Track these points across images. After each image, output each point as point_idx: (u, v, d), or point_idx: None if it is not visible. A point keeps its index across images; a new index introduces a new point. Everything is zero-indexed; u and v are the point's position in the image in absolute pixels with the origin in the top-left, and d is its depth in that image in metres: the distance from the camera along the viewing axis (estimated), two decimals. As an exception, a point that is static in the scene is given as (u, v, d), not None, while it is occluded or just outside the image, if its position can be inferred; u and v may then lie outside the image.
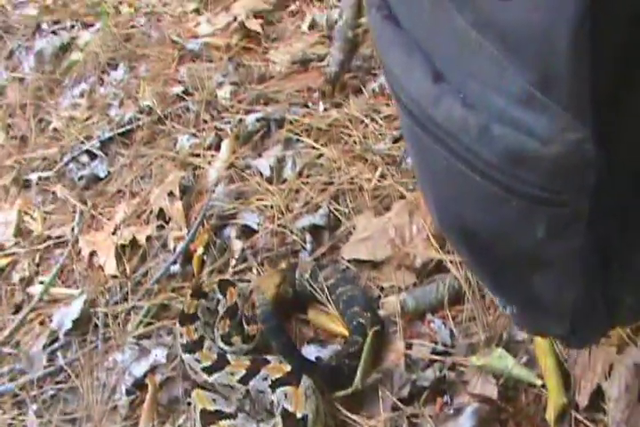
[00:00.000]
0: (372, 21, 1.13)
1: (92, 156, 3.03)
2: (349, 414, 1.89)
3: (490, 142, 0.92)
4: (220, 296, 2.21)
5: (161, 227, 2.61)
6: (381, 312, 2.03)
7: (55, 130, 3.25)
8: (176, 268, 2.43)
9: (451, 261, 2.02)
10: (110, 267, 2.56)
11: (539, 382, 1.75)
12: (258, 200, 2.47)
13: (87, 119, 3.22)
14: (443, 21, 0.96)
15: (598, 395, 1.68)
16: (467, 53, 0.94)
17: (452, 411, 1.77)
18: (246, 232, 2.42)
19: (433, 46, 1.01)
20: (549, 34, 0.82)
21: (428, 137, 1.01)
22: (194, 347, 2.10)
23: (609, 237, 1.05)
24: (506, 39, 0.88)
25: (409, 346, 1.95)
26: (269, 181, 2.51)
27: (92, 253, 2.65)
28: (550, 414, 1.69)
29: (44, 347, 2.42)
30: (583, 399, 1.69)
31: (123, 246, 2.60)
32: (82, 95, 3.36)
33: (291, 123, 2.64)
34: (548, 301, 1.14)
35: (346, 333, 2.05)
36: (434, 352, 1.91)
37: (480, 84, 0.93)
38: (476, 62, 0.93)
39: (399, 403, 1.85)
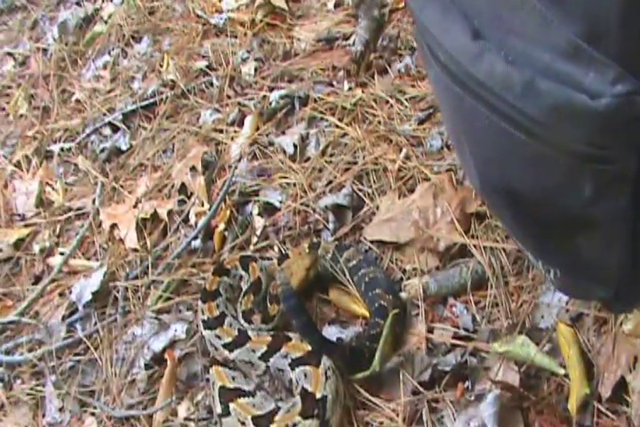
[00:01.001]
0: None
1: (115, 128, 3.00)
2: (369, 397, 1.85)
3: (535, 98, 0.89)
4: (243, 272, 2.17)
5: (182, 202, 2.57)
6: (403, 295, 1.99)
7: (78, 101, 3.21)
8: (197, 243, 2.39)
9: (475, 246, 1.97)
10: (131, 240, 2.52)
11: (561, 372, 1.70)
12: (281, 178, 2.42)
13: (110, 91, 3.18)
14: None
15: (622, 387, 1.63)
16: (506, 9, 0.92)
17: (472, 397, 1.72)
18: (268, 210, 2.37)
19: (469, 4, 0.98)
20: None
21: (469, 95, 0.99)
22: (215, 323, 2.06)
23: None
24: None
25: (430, 330, 1.91)
26: (292, 158, 2.47)
27: (113, 226, 2.61)
28: (572, 405, 1.64)
29: (63, 318, 2.40)
30: (606, 391, 1.64)
31: (144, 220, 2.56)
32: (105, 67, 3.31)
33: (315, 101, 2.59)
34: (592, 263, 1.11)
35: (367, 314, 2.00)
36: (456, 337, 1.86)
37: (522, 39, 0.91)
38: (518, 18, 0.91)
39: (419, 387, 1.80)
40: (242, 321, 2.06)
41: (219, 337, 2.02)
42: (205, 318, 2.08)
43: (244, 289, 2.15)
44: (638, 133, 0.88)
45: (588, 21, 0.84)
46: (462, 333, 1.86)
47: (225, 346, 2.01)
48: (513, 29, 0.92)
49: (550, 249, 1.16)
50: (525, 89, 0.90)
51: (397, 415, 1.78)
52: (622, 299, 1.19)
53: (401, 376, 1.84)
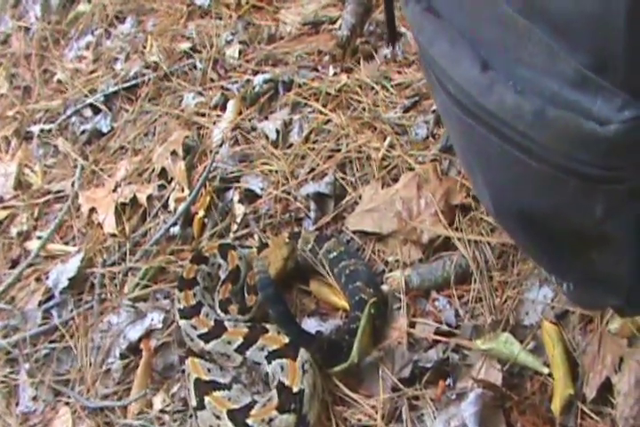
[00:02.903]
0: (410, 15, 1.12)
1: (96, 110, 2.89)
2: (348, 392, 1.77)
3: (546, 126, 0.91)
4: (221, 261, 2.08)
5: (162, 186, 2.47)
6: (385, 287, 1.90)
7: (59, 82, 3.11)
8: (176, 230, 2.30)
9: (459, 239, 1.89)
10: (109, 225, 2.43)
11: (545, 371, 1.62)
12: (262, 164, 2.32)
13: (92, 72, 3.07)
14: (486, 10, 0.96)
15: (607, 388, 1.56)
16: (513, 40, 0.94)
17: (454, 395, 1.65)
18: (249, 196, 2.28)
19: (477, 36, 1.00)
20: (604, 19, 0.82)
21: (481, 126, 1.00)
22: (191, 313, 1.97)
23: None
24: (557, 26, 0.87)
25: (412, 324, 1.82)
26: (275, 144, 2.37)
27: (92, 210, 2.52)
28: (556, 405, 1.57)
29: (40, 304, 2.31)
30: (591, 392, 1.57)
31: (123, 205, 2.47)
32: (87, 48, 3.20)
33: (299, 86, 2.48)
34: (604, 275, 1.12)
35: (347, 307, 1.92)
36: (438, 332, 1.78)
37: (530, 69, 0.92)
38: (525, 49, 0.93)
39: (399, 383, 1.73)
40: (218, 311, 1.98)
41: (194, 327, 1.94)
42: (182, 306, 2.00)
43: (221, 278, 2.06)
44: None
45: (594, 54, 0.86)
46: (444, 328, 1.78)
47: (200, 337, 1.92)
48: (520, 59, 0.94)
49: (564, 265, 1.19)
50: (536, 118, 0.91)
51: (376, 412, 1.70)
52: (633, 304, 1.19)
53: (380, 372, 1.76)
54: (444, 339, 1.76)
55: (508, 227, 1.30)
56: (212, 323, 1.93)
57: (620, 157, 0.90)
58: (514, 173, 1.03)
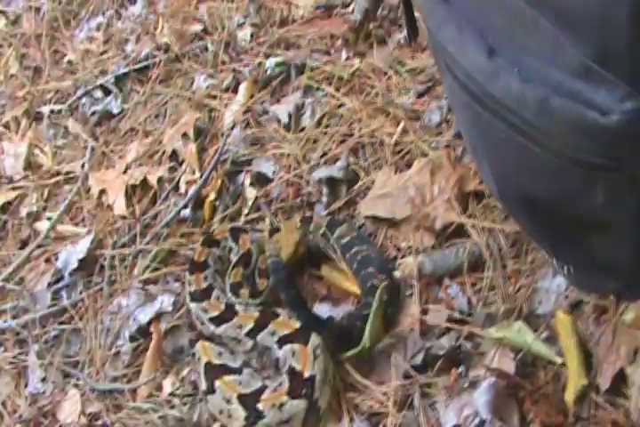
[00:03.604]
0: (420, 2, 1.14)
1: (107, 91, 2.84)
2: (359, 378, 1.74)
3: (549, 115, 0.92)
4: (233, 244, 2.05)
5: (173, 169, 2.43)
6: (397, 273, 1.87)
7: (70, 63, 3.05)
8: (187, 212, 2.26)
9: (472, 226, 1.85)
10: (119, 207, 2.39)
11: (559, 361, 1.59)
12: (274, 148, 2.28)
13: (103, 53, 3.01)
14: None
15: (621, 379, 1.52)
16: (520, 29, 0.95)
17: (466, 384, 1.62)
18: (261, 180, 2.24)
19: (484, 23, 1.00)
20: (608, 14, 0.83)
21: (487, 112, 1.01)
22: (201, 296, 1.95)
23: None
24: (563, 17, 0.88)
25: (424, 311, 1.79)
26: (287, 128, 2.32)
27: (102, 192, 2.48)
28: (569, 395, 1.54)
29: (49, 285, 2.28)
30: (605, 382, 1.53)
31: (133, 187, 2.43)
32: (98, 29, 3.13)
33: (311, 70, 2.44)
34: (604, 259, 1.14)
35: (359, 293, 1.89)
36: (450, 320, 1.75)
37: (535, 58, 0.94)
38: (531, 38, 0.94)
39: (412, 370, 1.69)
40: (229, 295, 1.95)
41: (205, 310, 1.91)
42: (192, 289, 1.97)
43: (233, 261, 2.03)
44: None
45: (597, 46, 0.87)
46: (457, 315, 1.75)
47: (211, 320, 1.90)
48: (526, 48, 0.95)
49: (565, 248, 1.20)
50: (540, 106, 0.92)
51: (388, 399, 1.67)
52: (633, 289, 1.23)
53: (392, 359, 1.73)
54: (456, 326, 1.73)
55: (511, 210, 1.33)
56: (222, 307, 1.90)
57: (620, 147, 0.91)
58: (518, 159, 1.05)
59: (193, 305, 1.94)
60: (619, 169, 0.95)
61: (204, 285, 1.97)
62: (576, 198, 1.03)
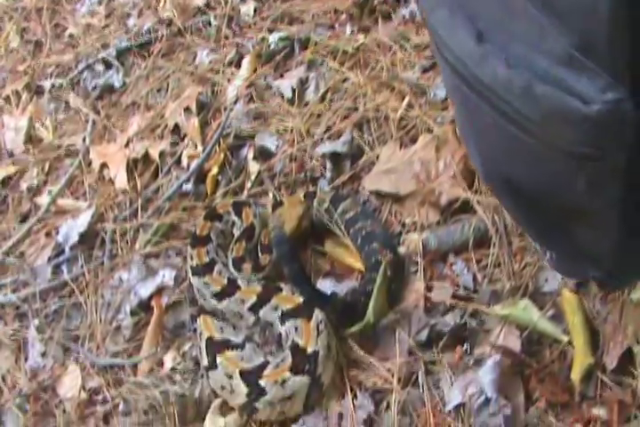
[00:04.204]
0: None
1: (108, 65, 2.79)
2: (363, 355, 1.70)
3: (533, 101, 0.93)
4: (236, 218, 2.00)
5: (175, 143, 2.39)
6: (401, 249, 1.83)
7: (71, 37, 3.01)
8: (189, 186, 2.22)
9: (478, 202, 1.80)
10: (121, 181, 2.35)
11: (565, 339, 1.55)
12: (277, 122, 2.23)
13: (104, 28, 2.97)
14: None
15: (628, 358, 1.48)
16: (509, 16, 0.96)
17: (471, 361, 1.58)
18: (264, 154, 2.19)
19: (475, 8, 1.01)
20: (591, 6, 0.84)
21: (474, 94, 1.02)
22: (204, 270, 1.90)
23: None
24: (550, 5, 0.89)
25: (429, 288, 1.75)
26: (290, 102, 2.28)
27: (103, 166, 2.44)
28: (576, 374, 1.50)
29: (49, 260, 2.24)
30: (611, 361, 1.49)
31: (135, 160, 2.39)
32: (100, 3, 3.10)
33: (315, 44, 2.38)
34: (586, 247, 1.15)
35: (363, 268, 1.84)
36: (455, 296, 1.70)
37: (523, 45, 0.94)
38: (520, 25, 0.95)
39: (416, 347, 1.65)
40: (232, 269, 1.90)
41: (207, 285, 1.87)
42: (194, 264, 1.93)
43: (235, 236, 1.99)
44: (626, 135, 0.91)
45: (582, 35, 0.87)
46: (462, 292, 1.71)
47: (213, 295, 1.85)
48: (514, 34, 0.95)
49: (547, 234, 1.21)
50: (524, 92, 0.93)
51: (392, 376, 1.63)
52: (615, 278, 1.22)
53: (397, 335, 1.68)
54: (461, 303, 1.69)
55: (497, 193, 1.34)
56: (225, 281, 1.86)
57: (602, 136, 0.91)
58: (502, 144, 1.05)
59: (195, 280, 1.90)
60: (600, 159, 0.95)
61: (206, 259, 1.92)
62: (558, 185, 1.03)
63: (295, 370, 1.64)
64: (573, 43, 0.89)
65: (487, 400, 1.51)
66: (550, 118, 0.93)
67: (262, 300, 1.78)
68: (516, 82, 0.94)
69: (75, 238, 2.22)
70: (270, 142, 2.19)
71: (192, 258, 1.93)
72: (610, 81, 0.88)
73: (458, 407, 1.54)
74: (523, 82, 0.93)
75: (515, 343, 1.58)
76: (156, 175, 2.34)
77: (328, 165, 2.06)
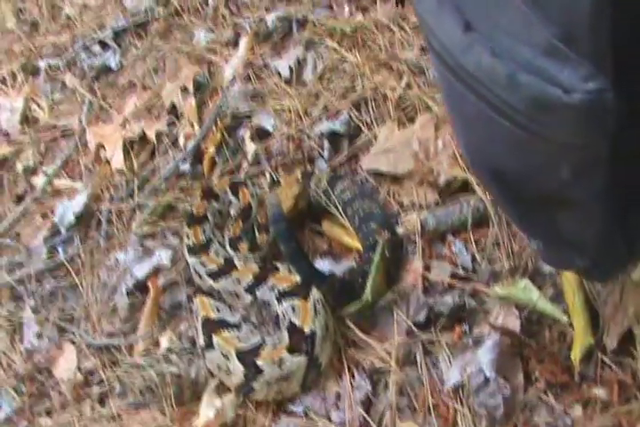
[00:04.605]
0: None
1: (105, 46, 2.74)
2: (361, 335, 1.68)
3: (517, 90, 0.93)
4: (233, 198, 1.98)
5: (172, 123, 2.36)
6: (400, 229, 1.80)
7: (67, 17, 2.95)
8: (186, 167, 2.19)
9: (477, 182, 1.77)
10: (117, 161, 2.32)
11: (565, 319, 1.52)
12: (275, 102, 2.20)
13: (101, 8, 2.90)
14: None
15: (628, 339, 1.47)
16: (495, 6, 0.97)
17: (470, 341, 1.55)
18: (261, 134, 2.16)
19: None
20: None
21: (460, 83, 1.02)
22: (200, 249, 1.88)
23: (630, 184, 1.06)
24: None
25: (427, 268, 1.72)
26: (288, 82, 2.24)
27: (99, 146, 2.40)
28: (575, 354, 1.48)
29: (45, 240, 2.21)
30: (612, 342, 1.47)
31: (131, 141, 2.36)
32: (97, -18, 3.02)
33: (313, 24, 2.34)
34: (570, 236, 1.15)
35: (361, 248, 1.81)
36: (454, 276, 1.68)
37: (508, 35, 0.95)
38: (505, 15, 0.96)
39: (414, 327, 1.63)
40: (228, 249, 1.88)
41: (203, 265, 1.85)
42: (190, 243, 1.90)
43: (232, 215, 1.95)
44: (608, 124, 0.91)
45: (564, 25, 0.89)
46: (461, 272, 1.69)
47: (209, 274, 1.83)
48: (499, 25, 0.96)
49: (533, 223, 1.21)
50: (508, 81, 0.93)
51: (390, 356, 1.61)
52: (600, 268, 1.22)
53: (395, 315, 1.67)
54: (460, 283, 1.67)
55: (483, 182, 1.38)
56: (221, 261, 1.84)
57: (583, 125, 0.92)
58: (487, 133, 1.06)
59: (191, 259, 1.87)
60: (582, 147, 0.96)
61: (203, 238, 1.90)
62: (542, 174, 1.04)
63: (292, 350, 1.62)
64: (556, 33, 0.90)
65: (486, 380, 1.49)
66: (534, 107, 0.94)
67: (259, 279, 1.76)
68: (500, 71, 0.94)
69: (71, 219, 2.19)
70: (267, 122, 2.16)
71: (188, 237, 1.91)
72: (592, 71, 0.88)
73: (456, 388, 1.52)
74: (507, 71, 0.94)
75: (514, 323, 1.55)
76: (152, 155, 2.31)
77: (326, 144, 2.03)
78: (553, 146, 0.97)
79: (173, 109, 2.37)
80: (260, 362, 1.61)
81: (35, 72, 2.80)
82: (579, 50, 0.89)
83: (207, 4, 2.63)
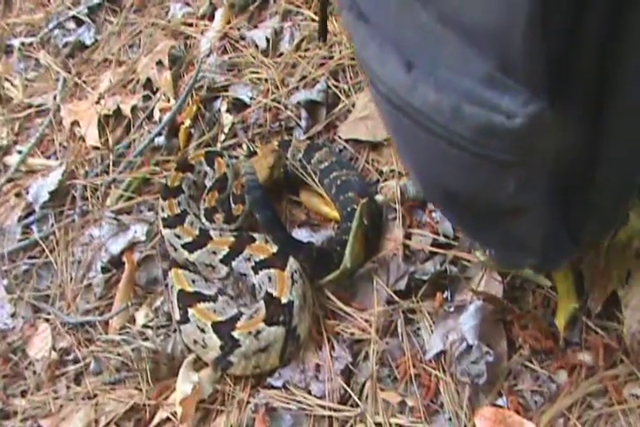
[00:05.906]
0: (345, 22, 1.18)
1: (79, 22, 2.68)
2: (340, 305, 1.63)
3: (462, 120, 0.98)
4: (208, 168, 1.92)
5: (147, 97, 2.30)
6: (379, 198, 1.75)
7: (41, -5, 2.88)
8: (161, 140, 2.13)
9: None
10: (92, 137, 2.26)
11: (548, 284, 1.49)
12: (251, 73, 2.15)
13: (75, -16, 2.83)
14: (408, 17, 1.03)
15: (613, 302, 1.43)
16: (433, 44, 1.02)
17: (452, 308, 1.51)
18: (237, 106, 2.11)
19: (401, 39, 1.06)
20: (505, 32, 0.90)
21: (408, 119, 1.06)
22: (175, 221, 1.82)
23: (569, 185, 1.14)
24: (468, 34, 0.95)
25: (408, 236, 1.67)
26: (265, 53, 2.18)
27: (74, 123, 2.35)
28: (560, 320, 1.45)
29: (19, 220, 2.15)
30: (596, 306, 1.44)
31: (106, 117, 2.30)
32: (70, -42, 2.95)
33: (290, -6, 2.28)
34: (521, 240, 1.22)
35: (339, 218, 1.77)
36: (435, 244, 1.63)
37: (448, 69, 0.99)
38: (443, 51, 1.00)
39: (395, 296, 1.59)
40: (204, 220, 1.83)
41: (178, 237, 1.79)
42: (165, 215, 1.84)
43: (207, 186, 1.90)
44: (549, 140, 0.98)
45: (499, 58, 0.93)
46: (442, 240, 1.64)
47: (185, 246, 1.77)
48: (439, 60, 1.01)
49: (484, 233, 1.28)
50: (454, 113, 0.98)
51: (370, 326, 1.57)
52: (548, 261, 1.28)
53: (375, 284, 1.62)
54: (441, 251, 1.62)
55: (436, 202, 1.43)
56: (196, 232, 1.78)
57: (525, 145, 0.97)
58: (437, 160, 1.11)
59: (166, 231, 1.81)
60: (527, 164, 1.01)
61: (178, 210, 1.84)
62: (491, 190, 1.09)
63: (270, 321, 1.57)
64: (492, 64, 0.95)
65: (469, 348, 1.44)
66: (479, 134, 0.98)
67: (235, 251, 1.70)
68: (445, 104, 0.99)
69: (45, 197, 2.14)
70: (244, 94, 2.11)
71: (163, 210, 1.85)
72: (530, 95, 0.93)
73: (438, 356, 1.48)
74: (451, 104, 0.98)
75: (497, 289, 1.52)
76: (128, 131, 2.25)
77: (303, 113, 1.98)
78: (500, 166, 1.02)
79: (149, 84, 2.32)
80: (236, 334, 1.56)
81: (8, 51, 2.75)
82: (516, 78, 0.93)
83: (182, -23, 2.57)
